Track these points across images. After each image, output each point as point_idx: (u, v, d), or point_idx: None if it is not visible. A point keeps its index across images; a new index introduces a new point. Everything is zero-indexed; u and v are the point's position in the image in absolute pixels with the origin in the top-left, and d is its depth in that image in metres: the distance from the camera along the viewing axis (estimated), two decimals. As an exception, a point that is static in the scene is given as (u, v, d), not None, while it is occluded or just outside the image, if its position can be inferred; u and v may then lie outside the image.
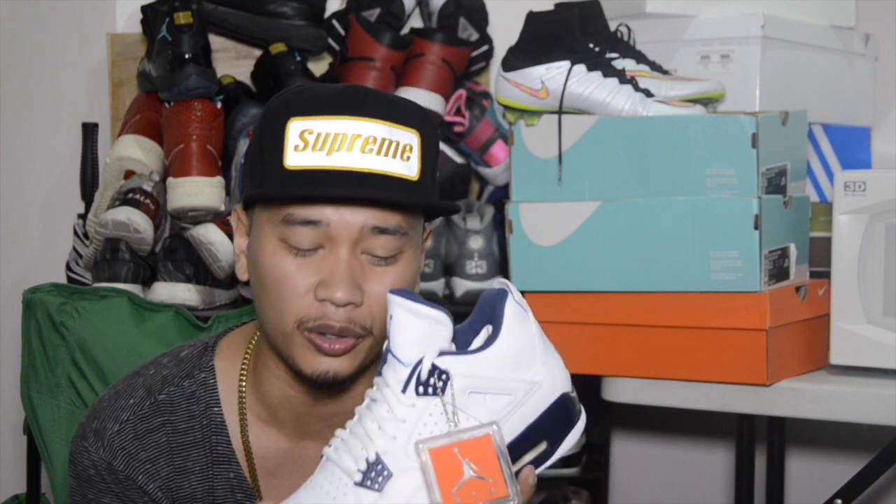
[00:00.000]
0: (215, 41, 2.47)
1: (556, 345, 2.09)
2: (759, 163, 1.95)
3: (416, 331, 1.15)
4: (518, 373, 1.16)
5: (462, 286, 2.43)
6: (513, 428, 1.17)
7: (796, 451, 2.65)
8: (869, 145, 2.46)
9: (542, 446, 1.19)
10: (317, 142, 1.31)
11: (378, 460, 1.15)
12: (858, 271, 1.99)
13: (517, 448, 1.18)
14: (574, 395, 1.22)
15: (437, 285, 2.42)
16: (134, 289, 2.17)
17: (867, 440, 2.27)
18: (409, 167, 1.34)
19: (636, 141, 2.01)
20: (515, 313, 1.17)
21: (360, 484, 1.14)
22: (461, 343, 1.20)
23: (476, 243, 2.43)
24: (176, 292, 2.20)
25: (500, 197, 2.55)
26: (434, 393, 1.14)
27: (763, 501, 2.51)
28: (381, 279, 1.34)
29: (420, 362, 1.14)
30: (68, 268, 2.40)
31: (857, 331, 1.99)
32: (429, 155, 1.37)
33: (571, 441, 1.21)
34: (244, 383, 1.44)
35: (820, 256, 2.14)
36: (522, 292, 2.09)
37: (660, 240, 2.00)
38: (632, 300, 2.03)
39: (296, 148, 1.32)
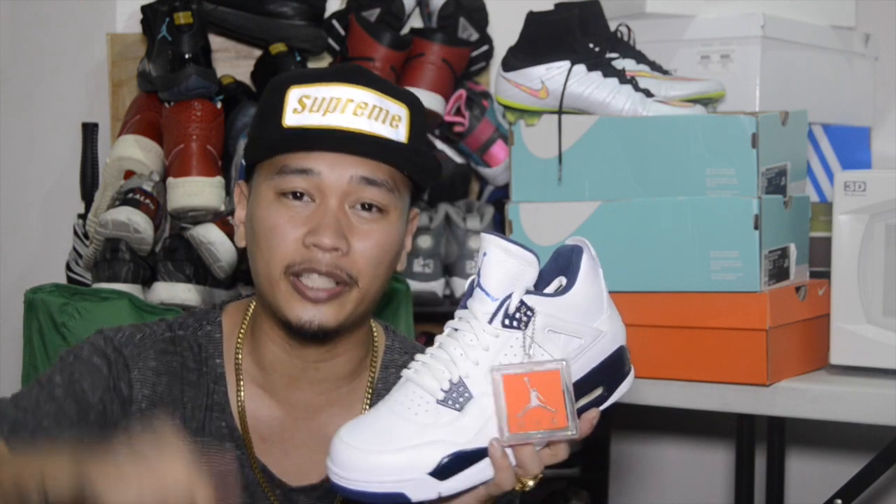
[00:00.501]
0: (215, 41, 2.47)
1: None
2: (759, 163, 1.96)
3: (508, 268, 1.24)
4: (588, 320, 1.26)
5: (462, 286, 2.43)
6: (579, 369, 1.26)
7: (796, 451, 2.65)
8: (869, 145, 2.46)
9: (599, 391, 1.29)
10: (314, 105, 1.42)
11: (461, 383, 1.23)
12: (858, 271, 1.99)
13: (580, 388, 1.27)
14: (627, 350, 1.31)
15: (438, 285, 2.42)
16: (134, 289, 2.17)
17: (867, 440, 2.27)
18: (397, 133, 1.44)
19: (636, 141, 2.01)
20: (590, 266, 1.26)
21: (443, 402, 1.23)
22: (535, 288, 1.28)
23: (476, 243, 2.43)
24: (176, 292, 2.20)
25: (500, 197, 2.55)
26: (518, 326, 1.23)
27: (763, 501, 2.51)
28: (368, 235, 1.42)
29: (509, 297, 1.24)
30: (68, 268, 2.40)
31: (857, 331, 1.99)
32: (418, 129, 1.47)
33: (624, 390, 1.30)
34: (240, 347, 1.51)
35: (820, 256, 2.14)
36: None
37: (660, 240, 2.00)
38: (632, 300, 2.03)
39: (294, 111, 1.43)
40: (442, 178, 1.49)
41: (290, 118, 1.42)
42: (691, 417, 2.50)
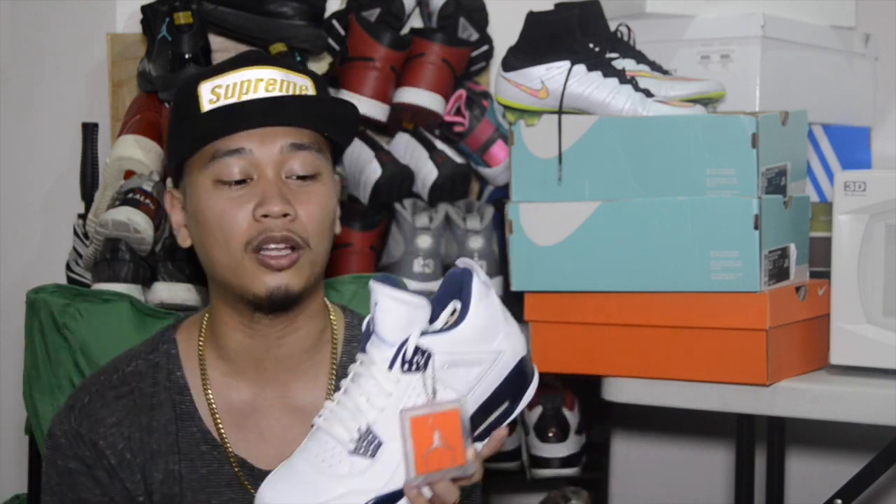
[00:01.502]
0: (215, 41, 2.47)
1: (557, 344, 2.10)
2: (759, 163, 1.96)
3: (400, 315, 1.27)
4: (485, 345, 1.29)
5: (462, 286, 2.42)
6: (482, 393, 1.30)
7: (796, 451, 2.65)
8: (869, 145, 2.46)
9: (505, 404, 1.33)
10: (227, 92, 1.49)
11: (369, 430, 1.28)
12: (858, 271, 1.99)
13: (486, 409, 1.31)
14: (528, 356, 1.35)
15: (437, 285, 2.41)
16: (134, 289, 2.17)
17: (867, 440, 2.27)
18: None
19: (636, 141, 2.01)
20: (481, 291, 1.29)
21: (354, 452, 1.28)
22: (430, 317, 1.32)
23: (476, 243, 2.43)
24: (176, 292, 2.20)
25: (500, 197, 2.55)
26: (417, 369, 1.27)
27: (763, 501, 2.51)
28: (309, 199, 1.49)
29: (405, 342, 1.27)
30: (68, 268, 2.40)
31: (857, 331, 1.99)
32: (325, 95, 1.56)
33: (528, 398, 1.35)
34: (202, 348, 1.56)
35: (820, 256, 2.14)
36: (522, 292, 2.11)
37: (660, 240, 2.00)
38: (632, 300, 2.03)
39: (210, 101, 1.49)
40: (356, 113, 1.58)
41: (209, 108, 1.49)
42: (691, 417, 2.50)
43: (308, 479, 1.27)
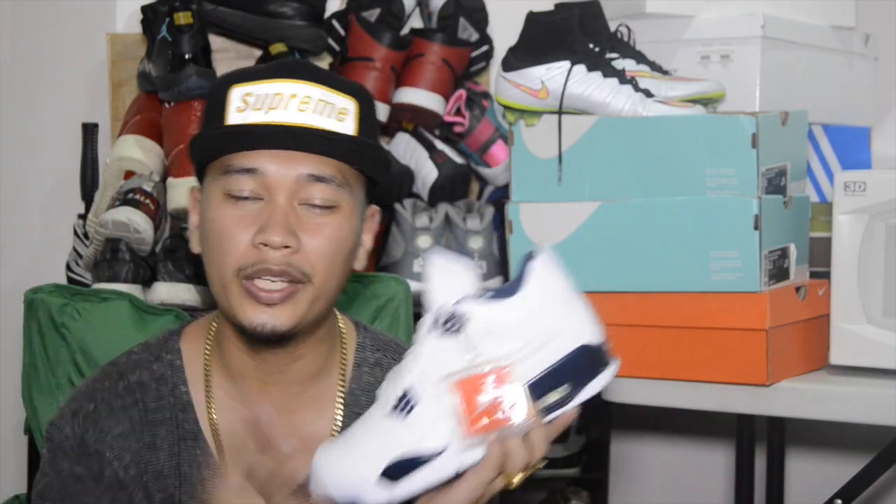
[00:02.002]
0: (215, 41, 2.47)
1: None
2: (759, 163, 1.96)
3: (443, 281, 1.29)
4: (537, 320, 1.29)
5: (462, 286, 2.42)
6: (532, 367, 1.29)
7: (796, 451, 2.65)
8: (869, 145, 2.46)
9: (565, 388, 1.31)
10: (256, 102, 1.39)
11: (407, 392, 1.28)
12: (858, 271, 1.99)
13: (540, 387, 1.30)
14: (604, 346, 1.34)
15: (437, 285, 2.42)
16: (134, 289, 2.17)
17: (867, 440, 2.27)
18: (344, 127, 1.40)
19: (636, 141, 2.01)
20: (539, 270, 1.30)
21: (393, 411, 1.28)
22: (510, 285, 1.32)
23: (476, 243, 2.43)
24: (176, 292, 2.20)
25: (500, 197, 2.55)
26: (454, 333, 1.27)
27: (763, 501, 2.51)
28: (318, 231, 1.39)
29: (442, 307, 1.29)
30: (68, 268, 2.40)
31: (857, 331, 1.99)
32: (367, 122, 1.43)
33: (595, 387, 1.33)
34: (209, 362, 1.49)
35: (820, 256, 2.14)
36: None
37: (660, 240, 2.00)
38: (632, 300, 2.03)
39: (237, 109, 1.39)
40: (385, 158, 1.49)
41: (234, 117, 1.39)
42: (691, 417, 2.50)
43: (355, 439, 1.29)
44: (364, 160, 1.42)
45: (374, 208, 1.50)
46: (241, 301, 1.39)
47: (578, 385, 1.32)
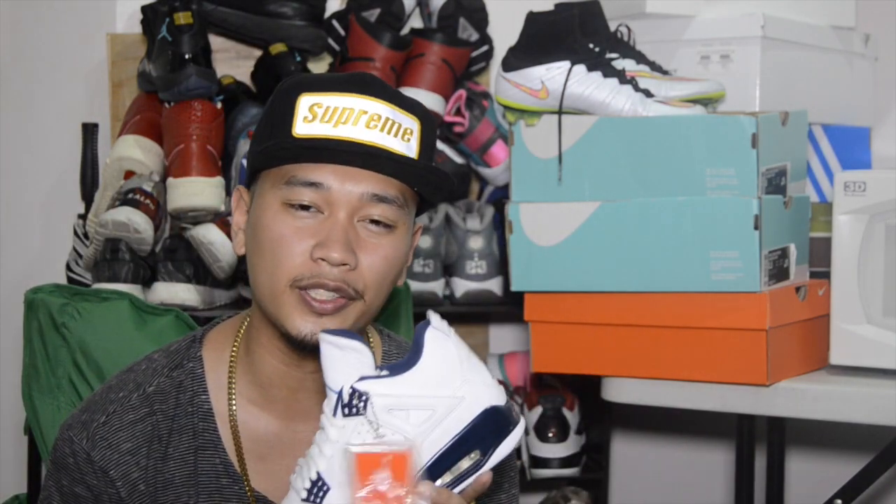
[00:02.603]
0: (215, 41, 2.47)
1: (557, 344, 2.10)
2: (759, 163, 1.96)
3: (339, 360, 1.28)
4: (438, 390, 1.28)
5: (462, 286, 2.43)
6: (437, 439, 1.29)
7: (796, 451, 2.65)
8: (869, 145, 2.46)
9: (475, 455, 1.31)
10: (325, 114, 1.38)
11: (319, 478, 1.28)
12: (858, 271, 1.99)
13: (448, 457, 1.30)
14: (508, 406, 1.32)
15: (437, 285, 2.42)
16: (134, 289, 2.17)
17: (867, 440, 2.27)
18: (409, 148, 1.41)
19: (636, 141, 2.01)
20: (434, 338, 1.29)
21: (306, 500, 1.28)
22: (407, 358, 1.31)
23: (476, 243, 2.43)
24: (176, 292, 2.20)
25: (500, 197, 2.55)
26: (357, 413, 1.27)
27: (763, 501, 2.51)
28: (375, 250, 1.40)
29: (342, 388, 1.28)
30: (68, 268, 2.40)
31: (857, 331, 1.99)
32: (428, 144, 1.44)
33: (506, 449, 1.32)
34: (233, 369, 1.48)
35: (820, 256, 2.14)
36: (522, 292, 2.11)
37: (660, 240, 2.00)
38: (632, 300, 2.03)
39: (305, 119, 1.38)
40: (452, 185, 1.47)
41: (301, 127, 1.38)
42: (691, 417, 2.50)
43: None
44: (426, 183, 1.43)
45: (419, 225, 1.51)
46: (292, 310, 1.39)
47: (488, 449, 1.31)
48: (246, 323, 1.50)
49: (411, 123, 1.41)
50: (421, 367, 1.28)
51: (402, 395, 1.27)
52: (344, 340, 1.27)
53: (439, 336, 1.29)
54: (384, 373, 1.29)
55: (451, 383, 1.28)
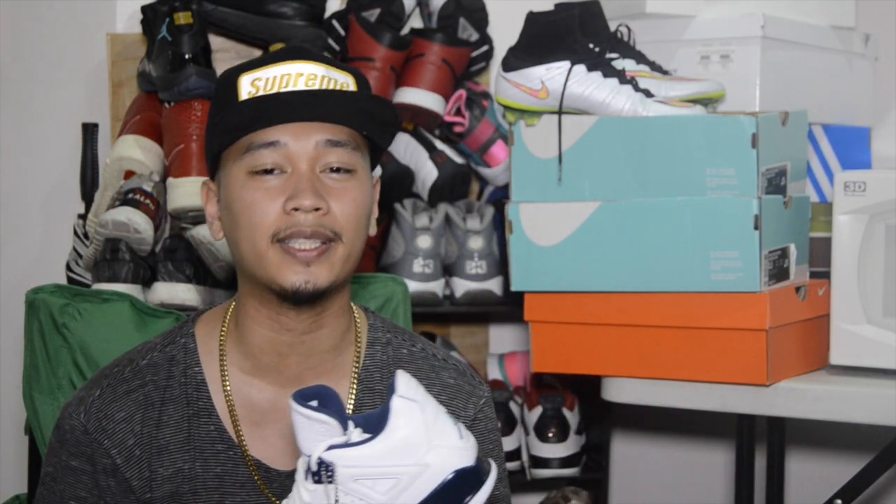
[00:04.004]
0: (215, 41, 2.47)
1: (557, 344, 2.10)
2: (759, 163, 1.96)
3: (307, 428, 1.31)
4: (404, 458, 1.31)
5: (462, 286, 2.43)
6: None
7: (796, 451, 2.65)
8: (869, 145, 2.46)
9: None
10: (266, 84, 1.48)
11: None
12: (858, 271, 1.99)
13: None
14: (476, 463, 1.33)
15: (437, 285, 2.42)
16: (134, 289, 2.17)
17: (867, 440, 2.27)
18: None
19: (636, 141, 2.01)
20: (400, 407, 1.30)
21: None
22: (376, 419, 1.33)
23: (476, 243, 2.43)
24: (176, 292, 2.20)
25: (500, 197, 2.55)
26: (324, 481, 1.31)
27: (763, 501, 2.51)
28: (343, 194, 1.47)
29: (310, 456, 1.31)
30: (68, 268, 2.40)
31: (857, 331, 1.99)
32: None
33: (478, 501, 1.33)
34: (223, 342, 1.54)
35: (820, 256, 2.14)
36: (522, 292, 2.11)
37: (660, 240, 2.00)
38: (632, 300, 2.03)
39: (249, 94, 1.48)
40: (396, 116, 1.56)
41: (246, 98, 1.47)
42: (691, 417, 2.50)
43: None
44: (373, 119, 1.50)
45: (375, 178, 1.57)
46: (279, 264, 1.45)
47: None
48: (235, 303, 1.56)
49: (346, 79, 1.49)
50: (386, 435, 1.30)
51: (367, 465, 1.30)
52: (310, 412, 1.30)
53: (405, 404, 1.31)
54: (353, 433, 1.31)
55: (416, 451, 1.30)
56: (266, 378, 1.53)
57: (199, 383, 1.53)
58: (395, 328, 1.63)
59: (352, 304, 1.60)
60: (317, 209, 1.44)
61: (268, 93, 1.46)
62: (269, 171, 1.46)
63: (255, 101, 1.46)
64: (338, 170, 1.47)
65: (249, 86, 1.48)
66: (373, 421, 1.32)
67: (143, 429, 1.51)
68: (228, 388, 1.53)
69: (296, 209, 1.44)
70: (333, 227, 1.46)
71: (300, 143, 1.46)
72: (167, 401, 1.52)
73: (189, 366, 1.54)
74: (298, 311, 1.49)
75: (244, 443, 1.52)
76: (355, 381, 1.56)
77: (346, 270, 1.49)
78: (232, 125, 1.47)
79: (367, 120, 1.49)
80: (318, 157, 1.46)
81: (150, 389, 1.52)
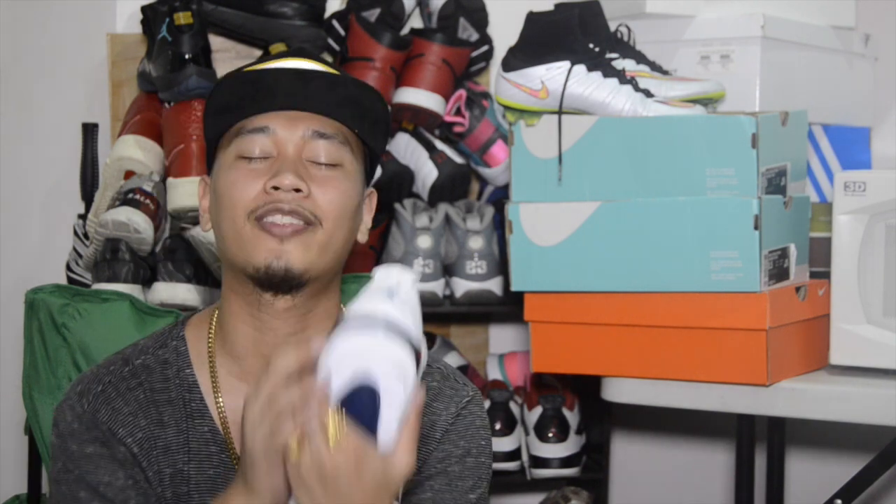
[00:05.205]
0: (215, 41, 2.47)
1: (557, 344, 2.10)
2: (759, 163, 1.96)
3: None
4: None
5: (462, 286, 2.43)
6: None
7: (796, 451, 2.65)
8: (869, 145, 2.46)
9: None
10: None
11: None
12: (858, 271, 1.99)
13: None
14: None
15: (437, 285, 2.42)
16: (134, 289, 2.17)
17: (867, 440, 2.27)
18: None
19: (636, 141, 2.01)
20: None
21: None
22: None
23: (476, 243, 2.43)
24: (176, 292, 2.20)
25: (500, 197, 2.55)
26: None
27: (763, 501, 2.51)
28: (327, 182, 1.47)
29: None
30: (68, 268, 2.40)
31: (857, 331, 1.99)
32: None
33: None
34: (212, 344, 1.54)
35: (820, 256, 2.14)
36: (522, 292, 2.11)
37: (660, 240, 2.00)
38: (632, 300, 2.03)
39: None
40: (384, 106, 1.57)
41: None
42: (691, 417, 2.50)
43: None
44: (366, 114, 1.51)
45: (372, 190, 1.57)
46: (254, 240, 1.44)
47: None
48: (218, 307, 1.55)
49: (336, 77, 1.51)
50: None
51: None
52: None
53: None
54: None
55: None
56: (253, 381, 1.46)
57: (192, 385, 1.52)
58: None
59: (343, 308, 1.57)
60: (297, 190, 1.44)
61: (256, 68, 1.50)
62: (256, 158, 1.47)
63: (247, 85, 1.49)
64: (324, 163, 1.48)
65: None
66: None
67: (149, 426, 1.49)
68: (219, 391, 1.52)
69: (276, 188, 1.44)
70: (314, 211, 1.45)
71: (289, 130, 1.47)
72: (164, 403, 1.51)
73: (181, 368, 1.53)
74: (276, 303, 1.46)
75: (234, 446, 1.51)
76: None
77: (324, 261, 1.46)
78: (221, 109, 1.50)
79: (357, 111, 1.50)
80: (305, 146, 1.47)
81: (150, 389, 1.51)
